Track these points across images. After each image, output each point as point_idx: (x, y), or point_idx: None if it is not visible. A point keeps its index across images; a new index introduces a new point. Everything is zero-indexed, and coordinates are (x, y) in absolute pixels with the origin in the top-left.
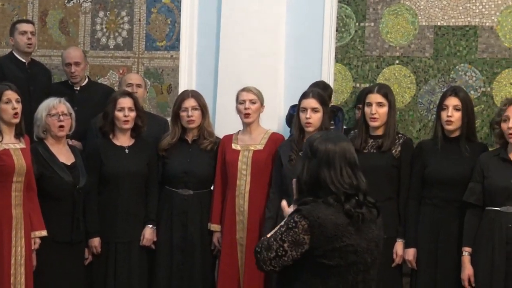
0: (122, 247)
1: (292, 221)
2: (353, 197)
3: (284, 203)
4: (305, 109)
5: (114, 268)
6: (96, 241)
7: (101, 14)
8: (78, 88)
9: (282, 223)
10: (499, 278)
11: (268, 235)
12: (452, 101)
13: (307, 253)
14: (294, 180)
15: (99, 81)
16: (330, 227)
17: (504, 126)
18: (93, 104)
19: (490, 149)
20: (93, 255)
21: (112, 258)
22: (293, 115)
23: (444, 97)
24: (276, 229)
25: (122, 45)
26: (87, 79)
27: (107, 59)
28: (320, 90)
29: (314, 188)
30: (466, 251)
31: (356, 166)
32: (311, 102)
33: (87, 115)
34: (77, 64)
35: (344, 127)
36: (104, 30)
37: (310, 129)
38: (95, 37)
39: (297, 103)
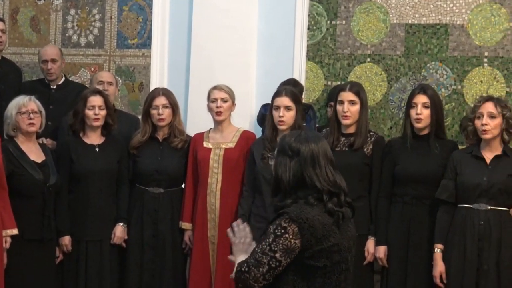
0: (92, 245)
1: (279, 228)
2: (336, 195)
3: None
4: (278, 107)
5: (85, 267)
6: (66, 240)
7: (72, 11)
8: (54, 87)
9: (266, 234)
10: (471, 275)
11: (252, 254)
12: (421, 99)
13: (296, 256)
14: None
15: (70, 79)
16: (319, 228)
17: (477, 123)
18: (70, 102)
19: (460, 146)
20: (63, 254)
21: (83, 257)
22: (265, 115)
23: (412, 95)
24: (260, 243)
25: (93, 43)
26: (63, 78)
27: (78, 57)
28: (293, 88)
29: (297, 187)
30: (438, 248)
31: (334, 165)
32: (284, 100)
33: (63, 113)
34: (53, 61)
35: (317, 125)
36: (75, 28)
37: (283, 127)
38: (66, 35)
39: (268, 101)
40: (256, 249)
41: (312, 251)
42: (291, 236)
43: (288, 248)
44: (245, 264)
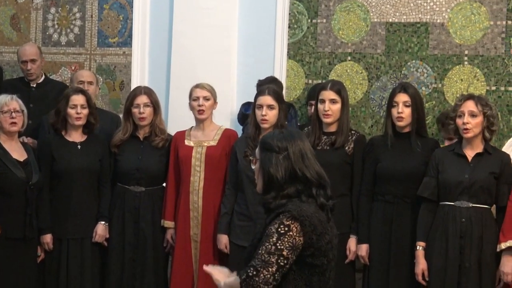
0: (74, 243)
1: (282, 226)
2: (323, 188)
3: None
4: (261, 106)
5: (66, 265)
6: (48, 238)
7: (52, 10)
8: (34, 85)
9: (267, 235)
10: (453, 272)
11: (256, 257)
12: (402, 98)
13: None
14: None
15: (51, 77)
16: (318, 225)
17: (459, 121)
18: (50, 101)
19: (441, 144)
20: (45, 252)
21: (64, 255)
22: (245, 114)
23: (393, 94)
24: (262, 246)
25: (74, 41)
26: (43, 76)
27: (59, 56)
28: (276, 87)
29: (289, 183)
30: (420, 246)
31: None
32: (267, 99)
33: (43, 112)
34: (33, 61)
35: (298, 123)
36: (56, 26)
37: (266, 125)
38: (47, 33)
39: (249, 100)
40: (260, 251)
41: (313, 249)
42: (295, 234)
43: (294, 245)
44: (251, 269)
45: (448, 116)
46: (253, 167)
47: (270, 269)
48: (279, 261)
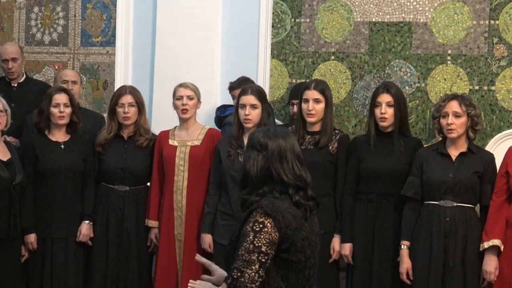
0: (58, 243)
1: (256, 223)
2: (302, 189)
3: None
4: (244, 106)
5: (50, 264)
6: (32, 237)
7: (35, 9)
8: (15, 85)
9: (244, 234)
10: (437, 271)
11: (237, 259)
12: (385, 98)
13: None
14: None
15: (34, 77)
16: (291, 220)
17: (443, 122)
18: (31, 100)
19: (424, 143)
20: (29, 252)
21: (48, 254)
22: (221, 117)
23: (376, 94)
24: (240, 246)
25: (57, 40)
26: (24, 76)
27: (42, 55)
28: (259, 86)
29: (264, 181)
30: (404, 245)
31: (301, 160)
32: (250, 99)
33: (24, 111)
34: (14, 60)
35: (280, 122)
36: (39, 25)
37: (249, 125)
38: (30, 32)
39: (224, 103)
40: (239, 252)
41: (288, 244)
42: (270, 230)
43: (271, 241)
44: (234, 271)
45: (432, 115)
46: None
47: (253, 267)
48: (260, 258)
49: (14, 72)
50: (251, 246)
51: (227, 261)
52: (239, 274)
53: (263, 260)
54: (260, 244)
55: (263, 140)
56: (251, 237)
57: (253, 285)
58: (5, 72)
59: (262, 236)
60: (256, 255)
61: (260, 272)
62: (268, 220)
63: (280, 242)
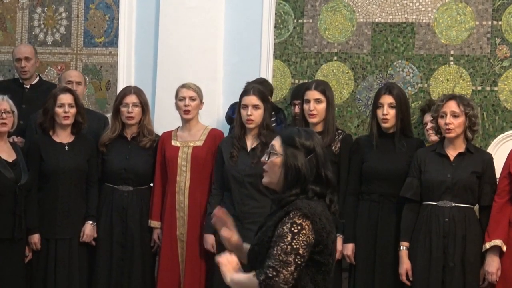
0: (62, 243)
1: (295, 225)
2: (334, 192)
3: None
4: (246, 106)
5: (54, 265)
6: (35, 238)
7: (38, 10)
8: (28, 86)
9: (280, 236)
10: (437, 272)
11: (273, 258)
12: (387, 99)
13: None
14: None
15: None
16: (326, 223)
17: (441, 122)
18: (42, 102)
19: (426, 144)
20: (33, 252)
21: (52, 255)
22: (232, 118)
23: (378, 95)
24: (276, 246)
25: (60, 41)
26: (38, 78)
27: (45, 56)
28: (260, 87)
29: (313, 183)
30: (404, 246)
31: None
32: (252, 99)
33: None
34: (27, 59)
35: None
36: (42, 26)
37: (251, 126)
38: (33, 33)
39: (235, 100)
40: (275, 251)
41: (322, 246)
42: (308, 232)
43: (308, 243)
44: (270, 269)
45: (428, 108)
46: (263, 159)
47: (289, 269)
48: (296, 260)
49: (27, 72)
50: (289, 247)
51: (253, 261)
52: (274, 273)
53: (299, 262)
54: (298, 246)
55: (307, 141)
56: (289, 238)
57: (286, 286)
58: (18, 71)
59: (300, 238)
60: (293, 256)
61: (295, 274)
62: (306, 222)
63: (315, 244)
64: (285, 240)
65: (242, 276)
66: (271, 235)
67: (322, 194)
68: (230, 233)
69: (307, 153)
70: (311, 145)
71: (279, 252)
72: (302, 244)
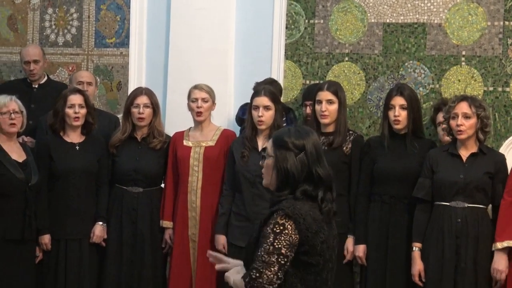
0: (72, 244)
1: (277, 225)
2: (330, 190)
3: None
4: (257, 107)
5: (64, 266)
6: (46, 238)
7: (50, 10)
8: (36, 86)
9: (264, 236)
10: (449, 273)
11: (256, 259)
12: (398, 101)
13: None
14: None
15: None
16: (312, 223)
17: (453, 123)
18: (51, 102)
19: (438, 144)
20: (43, 253)
21: (63, 256)
22: (242, 119)
23: (390, 96)
24: (260, 247)
25: (71, 42)
26: (46, 77)
27: (56, 56)
28: (272, 88)
29: (304, 182)
30: (416, 247)
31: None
32: (263, 100)
33: (44, 112)
34: (35, 62)
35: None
36: (53, 27)
37: (263, 127)
38: (44, 34)
39: (246, 101)
40: (259, 253)
41: (308, 246)
42: (291, 232)
43: (291, 243)
44: (253, 271)
45: (443, 106)
46: (260, 163)
47: (272, 269)
48: (279, 259)
49: (35, 74)
50: (271, 247)
51: (245, 262)
52: (257, 274)
53: (282, 262)
54: (280, 246)
55: (298, 140)
56: (271, 239)
57: (271, 287)
58: (27, 73)
59: (282, 238)
60: (276, 256)
61: (279, 274)
62: (288, 222)
63: (300, 244)
64: (268, 240)
65: (238, 279)
66: (257, 235)
67: (312, 193)
68: (225, 266)
69: (298, 152)
70: (301, 144)
71: (262, 253)
72: (285, 243)
